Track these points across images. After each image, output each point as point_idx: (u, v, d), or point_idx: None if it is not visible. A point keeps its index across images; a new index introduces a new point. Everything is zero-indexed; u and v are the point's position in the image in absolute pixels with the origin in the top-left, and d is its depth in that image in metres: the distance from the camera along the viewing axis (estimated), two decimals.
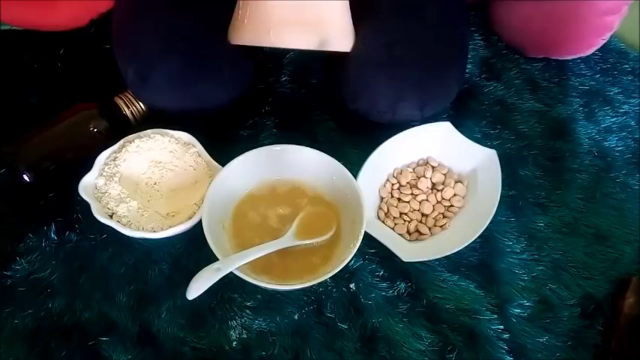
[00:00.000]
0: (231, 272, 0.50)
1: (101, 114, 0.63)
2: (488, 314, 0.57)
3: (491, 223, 0.59)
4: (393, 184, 0.64)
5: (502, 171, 0.62)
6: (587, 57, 0.79)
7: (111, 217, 0.57)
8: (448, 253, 0.58)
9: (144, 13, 0.63)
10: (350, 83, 0.64)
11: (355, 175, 0.59)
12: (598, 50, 0.77)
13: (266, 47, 0.63)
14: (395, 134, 0.64)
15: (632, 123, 0.74)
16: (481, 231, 0.59)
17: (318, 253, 0.56)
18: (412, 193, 0.63)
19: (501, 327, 0.57)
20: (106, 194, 0.58)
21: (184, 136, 0.63)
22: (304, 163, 0.59)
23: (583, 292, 0.60)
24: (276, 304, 0.57)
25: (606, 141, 0.72)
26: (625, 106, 0.76)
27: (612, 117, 0.75)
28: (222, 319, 0.56)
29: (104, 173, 0.59)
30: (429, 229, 0.61)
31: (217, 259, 0.51)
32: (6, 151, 0.60)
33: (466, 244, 0.58)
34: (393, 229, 0.62)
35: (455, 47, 0.66)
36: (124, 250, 0.59)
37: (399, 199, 0.63)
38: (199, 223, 0.53)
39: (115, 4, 0.68)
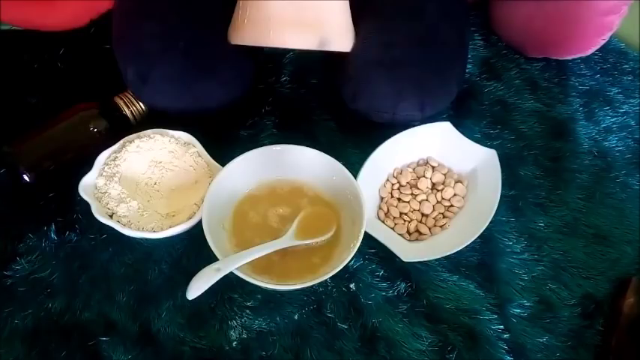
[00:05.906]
0: (231, 272, 0.50)
1: (101, 114, 0.63)
2: (489, 314, 0.57)
3: (491, 223, 0.59)
4: (393, 184, 0.64)
5: (502, 171, 0.62)
6: (587, 57, 0.79)
7: (111, 217, 0.57)
8: (448, 253, 0.58)
9: (144, 13, 0.63)
10: (350, 83, 0.64)
11: (355, 175, 0.59)
12: (598, 50, 0.77)
13: (266, 47, 0.63)
14: (395, 134, 0.64)
15: (632, 123, 0.74)
16: (481, 231, 0.59)
17: (318, 253, 0.56)
18: (412, 193, 0.63)
19: (501, 327, 0.57)
20: (106, 194, 0.58)
21: (184, 136, 0.63)
22: (304, 163, 0.59)
23: (583, 292, 0.60)
24: (276, 304, 0.57)
25: (606, 141, 0.72)
26: (625, 106, 0.76)
27: (612, 117, 0.75)
28: (222, 319, 0.56)
29: (104, 173, 0.59)
30: (429, 229, 0.61)
31: (217, 259, 0.51)
32: (6, 151, 0.60)
33: (466, 244, 0.58)
34: (393, 229, 0.62)
35: (455, 47, 0.66)
36: (124, 250, 0.59)
37: (399, 199, 0.63)
38: (199, 223, 0.53)
39: (115, 4, 0.68)
